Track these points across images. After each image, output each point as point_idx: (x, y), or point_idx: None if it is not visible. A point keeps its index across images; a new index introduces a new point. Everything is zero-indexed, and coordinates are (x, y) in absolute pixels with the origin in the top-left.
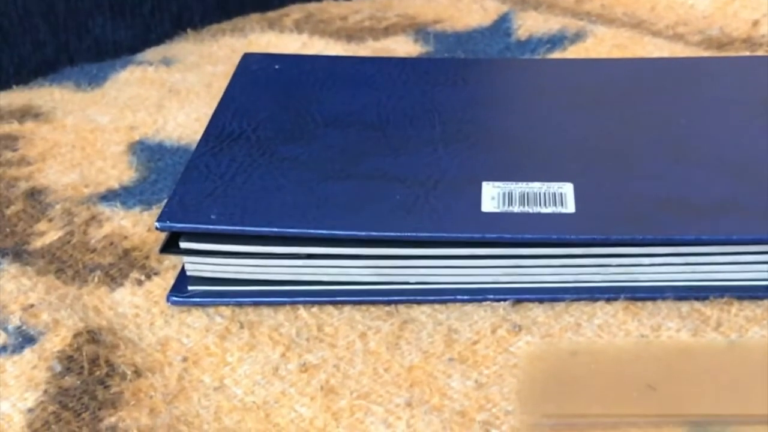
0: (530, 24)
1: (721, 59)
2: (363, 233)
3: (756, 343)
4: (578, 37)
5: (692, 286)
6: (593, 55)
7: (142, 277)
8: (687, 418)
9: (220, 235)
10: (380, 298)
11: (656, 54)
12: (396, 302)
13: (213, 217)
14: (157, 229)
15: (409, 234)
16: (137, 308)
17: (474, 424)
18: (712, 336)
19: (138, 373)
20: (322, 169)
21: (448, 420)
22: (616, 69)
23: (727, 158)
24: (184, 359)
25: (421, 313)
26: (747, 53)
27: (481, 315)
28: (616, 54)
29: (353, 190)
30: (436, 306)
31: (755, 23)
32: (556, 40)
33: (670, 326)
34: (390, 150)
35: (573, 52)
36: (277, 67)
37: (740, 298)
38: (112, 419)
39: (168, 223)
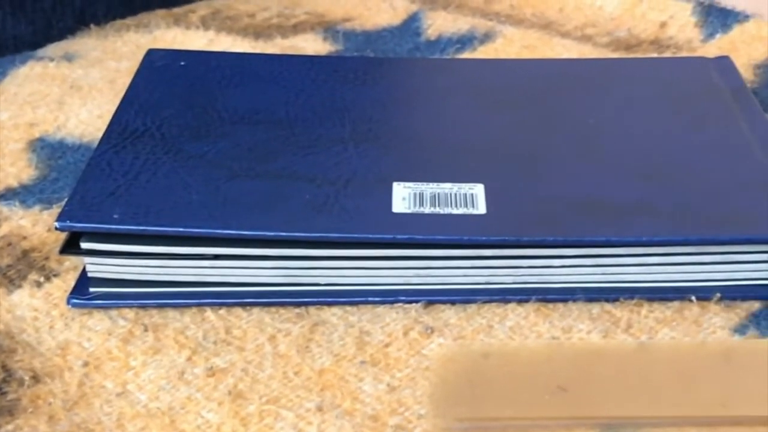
0: (440, 24)
1: (631, 60)
2: (271, 233)
3: (666, 345)
4: (488, 37)
5: (603, 287)
6: (503, 55)
7: (42, 279)
8: (598, 420)
9: (123, 235)
10: (290, 300)
11: (565, 55)
12: (306, 304)
13: (115, 216)
14: (56, 229)
15: (318, 234)
16: (36, 311)
17: (386, 428)
18: (622, 338)
19: (36, 379)
20: (229, 168)
21: (360, 424)
22: (527, 69)
23: (637, 160)
24: (85, 364)
25: (332, 315)
26: (655, 55)
27: (393, 317)
28: (526, 55)
29: (261, 190)
30: (348, 308)
31: (663, 25)
32: (466, 41)
33: (581, 328)
34: (299, 149)
35: (482, 52)
36: (182, 63)
37: (650, 300)
38: (9, 427)
39: (68, 223)
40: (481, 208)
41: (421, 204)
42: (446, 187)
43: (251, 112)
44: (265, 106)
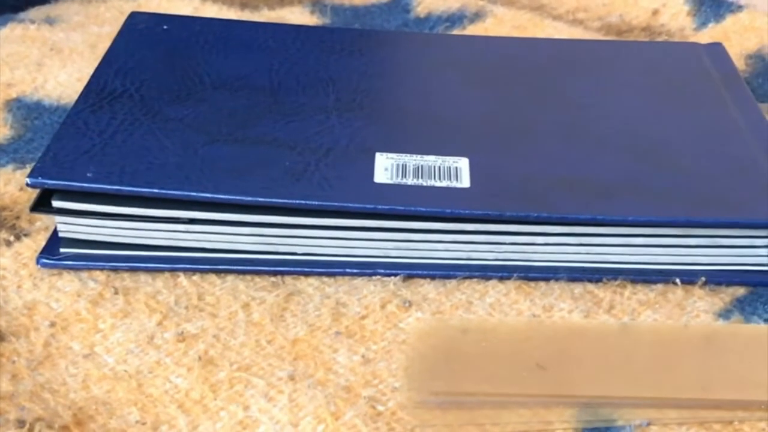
0: (429, 1)
1: (623, 43)
2: (249, 198)
3: (648, 327)
4: (478, 16)
5: (586, 267)
6: (492, 35)
7: (11, 238)
8: (577, 399)
9: (97, 194)
10: (266, 268)
11: (556, 37)
12: (282, 273)
13: (89, 174)
14: (28, 185)
15: (297, 201)
16: (4, 270)
17: (359, 399)
18: (604, 318)
19: (1, 337)
20: (209, 132)
21: (332, 395)
22: (518, 48)
23: (625, 140)
24: (52, 324)
25: (308, 285)
26: (646, 41)
27: (371, 289)
28: (516, 35)
29: (241, 154)
30: (325, 278)
31: (655, 12)
32: (456, 19)
33: (563, 307)
34: (281, 116)
35: (472, 31)
36: (165, 27)
37: (633, 281)
38: None
39: (40, 180)
40: (464, 182)
41: (404, 175)
42: (430, 160)
43: (234, 78)
44: (249, 72)
